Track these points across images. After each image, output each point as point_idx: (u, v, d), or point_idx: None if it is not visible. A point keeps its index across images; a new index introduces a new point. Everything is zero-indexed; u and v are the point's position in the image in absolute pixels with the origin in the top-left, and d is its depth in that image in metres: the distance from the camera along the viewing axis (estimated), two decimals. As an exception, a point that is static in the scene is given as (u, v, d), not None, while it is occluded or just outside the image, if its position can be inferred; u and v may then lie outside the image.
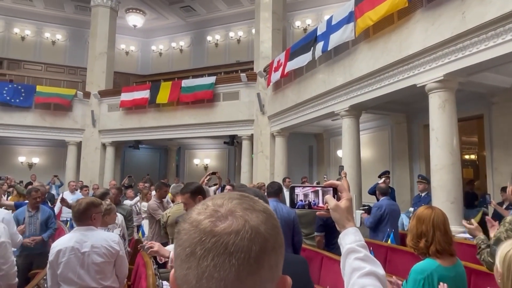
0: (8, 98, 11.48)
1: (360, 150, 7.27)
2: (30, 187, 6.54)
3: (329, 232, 4.17)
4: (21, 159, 13.47)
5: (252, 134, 10.49)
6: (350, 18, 6.14)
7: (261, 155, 10.08)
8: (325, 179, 9.29)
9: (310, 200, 1.03)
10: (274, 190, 3.68)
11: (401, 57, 5.47)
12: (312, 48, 7.26)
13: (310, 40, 7.44)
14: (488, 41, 4.29)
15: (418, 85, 5.31)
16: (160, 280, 2.96)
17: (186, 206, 2.82)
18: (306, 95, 8.09)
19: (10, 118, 11.72)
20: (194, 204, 2.65)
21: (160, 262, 2.35)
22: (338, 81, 7.00)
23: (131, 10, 15.06)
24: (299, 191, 1.04)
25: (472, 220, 2.39)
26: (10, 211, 4.22)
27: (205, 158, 14.76)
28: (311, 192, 1.04)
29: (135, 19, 15.28)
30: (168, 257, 2.25)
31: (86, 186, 8.64)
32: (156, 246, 2.20)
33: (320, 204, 1.02)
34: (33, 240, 4.06)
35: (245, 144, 10.77)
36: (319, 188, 1.04)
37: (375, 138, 9.57)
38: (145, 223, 6.83)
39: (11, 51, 15.64)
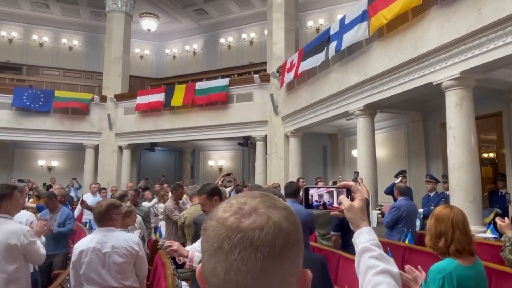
0: (28, 103, 11.80)
1: (376, 150, 7.20)
2: (50, 190, 6.72)
3: (346, 232, 4.15)
4: (41, 162, 13.83)
5: (266, 135, 10.51)
6: (364, 17, 6.10)
7: (275, 155, 10.09)
8: (340, 179, 9.23)
9: (325, 201, 1.06)
10: (293, 191, 3.68)
11: (416, 55, 5.41)
12: (325, 48, 7.23)
13: (323, 40, 7.42)
14: (506, 37, 4.21)
15: (434, 83, 5.24)
16: (179, 280, 3.01)
17: (203, 206, 2.86)
18: (320, 95, 8.07)
19: (30, 123, 12.04)
20: (210, 205, 2.70)
21: (179, 263, 2.39)
22: (352, 81, 6.96)
23: (145, 15, 15.28)
24: (313, 192, 1.06)
25: (505, 218, 2.37)
26: (33, 213, 4.36)
27: (220, 159, 14.85)
28: (326, 192, 1.06)
29: (149, 23, 15.49)
30: (186, 257, 2.29)
31: (104, 188, 8.83)
32: (175, 245, 2.24)
33: (335, 205, 1.05)
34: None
35: (259, 145, 10.79)
36: (333, 189, 1.07)
37: (390, 137, 9.47)
38: (162, 224, 6.92)
39: (30, 57, 16.07)
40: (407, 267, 1.83)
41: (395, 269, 0.95)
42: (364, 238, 0.99)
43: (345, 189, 1.05)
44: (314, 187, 1.08)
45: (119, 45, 13.11)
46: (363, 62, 6.62)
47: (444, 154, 6.89)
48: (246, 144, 11.80)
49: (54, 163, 13.87)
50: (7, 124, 11.80)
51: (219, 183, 5.90)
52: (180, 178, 13.87)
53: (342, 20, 6.79)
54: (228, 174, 8.34)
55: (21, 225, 2.77)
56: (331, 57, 7.16)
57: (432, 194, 5.90)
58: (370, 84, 6.57)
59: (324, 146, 11.85)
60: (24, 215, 3.54)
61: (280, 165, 9.96)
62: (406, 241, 4.33)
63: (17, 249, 2.61)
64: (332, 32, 7.09)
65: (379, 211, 5.53)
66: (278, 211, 0.58)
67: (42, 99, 11.97)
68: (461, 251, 1.76)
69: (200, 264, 0.60)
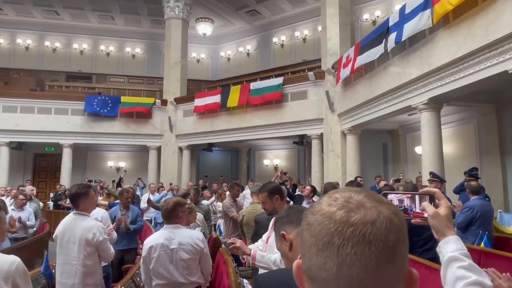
0: (97, 109, 12.80)
1: (443, 146, 6.73)
2: (120, 188, 7.20)
3: (410, 234, 3.91)
4: (110, 163, 14.91)
5: (321, 133, 10.32)
6: (427, 4, 5.73)
7: (331, 154, 9.86)
8: (401, 176, 8.78)
9: (406, 206, 1.00)
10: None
11: (488, 41, 4.95)
12: (384, 40, 6.90)
13: (381, 31, 7.09)
14: None
15: (510, 71, 4.76)
16: (241, 278, 3.05)
17: (264, 204, 2.86)
18: (379, 89, 7.72)
19: (100, 127, 13.04)
20: (271, 203, 2.69)
21: (243, 261, 2.41)
22: (414, 73, 6.57)
23: (200, 20, 15.81)
24: (392, 197, 1.01)
25: None
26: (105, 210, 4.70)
27: (275, 158, 14.88)
28: (407, 198, 1.02)
29: (204, 28, 16.00)
30: (249, 254, 2.30)
31: (162, 187, 9.48)
32: (238, 242, 2.27)
33: (417, 210, 1.00)
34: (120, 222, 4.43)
35: (314, 143, 10.62)
36: (415, 194, 1.02)
37: (459, 132, 8.79)
38: (221, 222, 7.11)
39: (99, 66, 17.43)
40: (490, 270, 1.66)
41: (488, 281, 0.89)
42: (452, 247, 0.94)
43: (427, 196, 0.99)
44: (392, 193, 1.02)
45: (178, 50, 13.70)
46: (426, 52, 6.22)
47: (523, 149, 6.24)
48: (302, 142, 11.68)
49: (122, 164, 14.87)
50: (80, 128, 12.90)
51: (274, 180, 5.91)
52: (237, 178, 14.13)
53: (402, 10, 6.43)
54: (284, 173, 8.30)
55: (97, 222, 3.00)
56: (391, 49, 6.82)
57: None
58: (435, 76, 6.15)
59: (384, 143, 11.34)
60: (99, 212, 3.83)
61: (337, 163, 9.72)
62: (482, 245, 3.98)
63: (93, 244, 2.82)
64: (391, 23, 6.74)
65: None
66: (387, 206, 0.57)
67: (110, 105, 12.90)
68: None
69: (299, 260, 0.59)
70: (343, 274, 0.52)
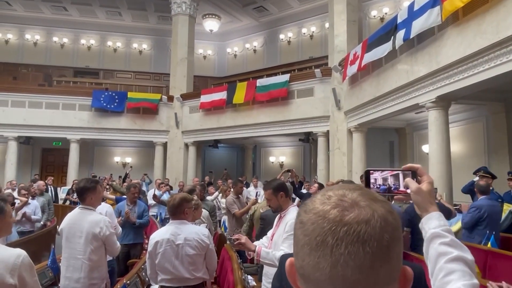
0: (104, 104, 12.87)
1: (450, 145, 6.67)
2: (125, 184, 7.24)
3: (416, 231, 3.89)
4: (117, 159, 15.01)
5: (328, 131, 10.28)
6: (436, 1, 5.66)
7: (337, 152, 9.83)
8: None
9: (390, 184, 0.99)
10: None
11: (498, 39, 4.88)
12: (392, 37, 6.84)
13: (389, 29, 7.03)
14: None
15: (520, 70, 4.70)
16: (245, 274, 3.05)
17: (269, 202, 2.86)
18: (386, 87, 7.66)
19: (107, 122, 13.12)
20: (276, 200, 2.69)
21: (249, 258, 2.41)
22: (422, 71, 6.51)
23: (207, 16, 15.78)
24: (377, 176, 1.00)
25: None
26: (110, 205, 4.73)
27: (280, 155, 14.86)
28: (390, 176, 1.00)
29: (211, 24, 15.97)
30: (254, 251, 2.31)
31: (162, 183, 9.57)
32: (243, 239, 2.27)
33: (401, 188, 0.99)
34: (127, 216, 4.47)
35: (320, 141, 10.58)
36: (398, 172, 1.00)
37: (467, 130, 8.70)
38: (226, 218, 7.13)
39: (106, 62, 17.51)
40: (489, 284, 1.63)
41: (469, 256, 0.88)
42: (434, 223, 0.92)
43: (410, 172, 0.98)
44: (377, 170, 1.01)
45: (184, 46, 13.71)
46: (435, 50, 6.15)
47: (532, 148, 6.16)
48: (307, 140, 11.65)
49: (128, 160, 14.96)
50: (87, 124, 12.99)
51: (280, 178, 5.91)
52: (242, 174, 14.14)
53: (411, 7, 6.36)
54: (289, 171, 8.29)
55: (103, 216, 3.01)
56: (399, 46, 6.76)
57: None
58: (443, 74, 6.08)
59: (390, 141, 11.27)
60: (104, 207, 3.85)
61: (343, 161, 9.68)
62: (489, 245, 3.94)
63: (100, 238, 2.84)
64: (399, 20, 6.68)
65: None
66: (381, 204, 0.55)
67: (117, 100, 12.96)
68: None
69: (292, 258, 0.58)
70: (337, 274, 0.50)
